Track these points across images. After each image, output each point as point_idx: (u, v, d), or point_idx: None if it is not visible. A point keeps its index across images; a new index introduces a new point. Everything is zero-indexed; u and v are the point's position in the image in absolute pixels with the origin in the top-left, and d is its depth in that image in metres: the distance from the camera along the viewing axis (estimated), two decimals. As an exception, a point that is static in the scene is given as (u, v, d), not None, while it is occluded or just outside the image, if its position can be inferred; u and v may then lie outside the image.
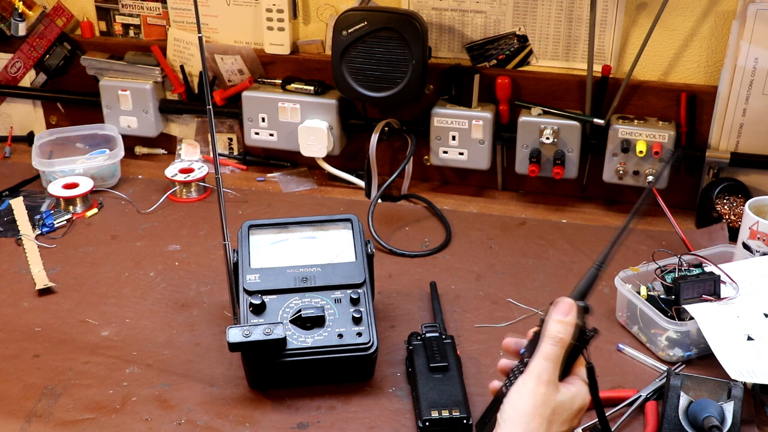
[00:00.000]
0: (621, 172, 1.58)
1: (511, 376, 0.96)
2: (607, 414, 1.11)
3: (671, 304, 1.23)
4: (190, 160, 1.83)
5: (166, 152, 1.90)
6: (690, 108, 1.58)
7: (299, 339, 1.13)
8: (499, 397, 0.97)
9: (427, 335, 1.20)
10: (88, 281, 1.42)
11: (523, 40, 1.65)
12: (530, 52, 1.65)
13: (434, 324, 1.24)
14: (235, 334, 1.09)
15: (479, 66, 1.68)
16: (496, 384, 0.99)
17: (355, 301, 1.17)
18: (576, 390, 0.92)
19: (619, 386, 1.17)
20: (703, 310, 1.19)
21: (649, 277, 1.30)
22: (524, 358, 0.95)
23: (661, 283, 1.26)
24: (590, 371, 0.93)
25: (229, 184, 1.75)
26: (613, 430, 1.09)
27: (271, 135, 1.75)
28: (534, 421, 0.90)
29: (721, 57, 1.55)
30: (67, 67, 1.86)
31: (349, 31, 1.58)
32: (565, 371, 0.93)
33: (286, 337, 1.11)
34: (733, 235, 1.50)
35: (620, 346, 1.24)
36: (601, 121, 1.58)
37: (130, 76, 1.81)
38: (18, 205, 1.64)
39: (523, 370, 0.94)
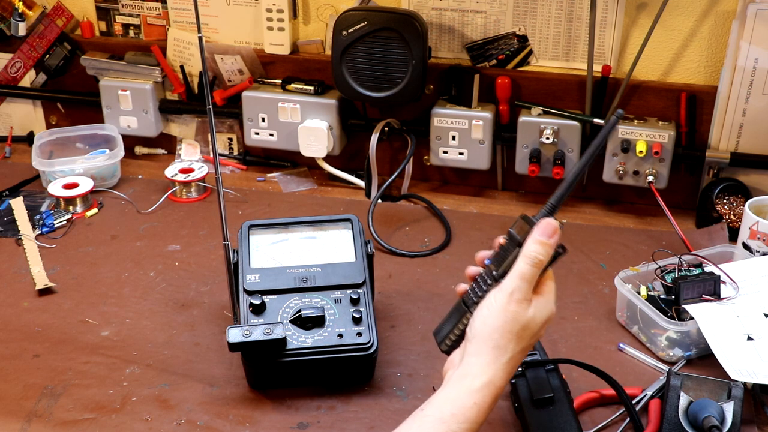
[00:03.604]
0: (621, 172, 1.58)
1: (474, 285, 0.98)
2: (615, 415, 1.11)
3: (671, 304, 1.23)
4: (190, 160, 1.83)
5: (166, 152, 1.90)
6: (690, 108, 1.58)
7: (299, 339, 1.13)
8: (459, 309, 0.99)
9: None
10: (88, 281, 1.42)
11: (523, 40, 1.65)
12: (530, 52, 1.65)
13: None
14: (235, 334, 1.09)
15: (479, 66, 1.68)
16: (462, 287, 1.01)
17: (355, 301, 1.17)
18: (544, 301, 0.94)
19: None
20: (703, 310, 1.19)
21: (649, 277, 1.30)
22: (491, 269, 0.96)
23: (661, 283, 1.26)
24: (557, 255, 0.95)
25: (229, 184, 1.75)
26: (619, 430, 1.09)
27: (271, 135, 1.75)
28: (504, 336, 0.92)
29: (721, 57, 1.55)
30: (67, 67, 1.86)
31: (349, 31, 1.58)
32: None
33: (286, 337, 1.11)
34: (733, 235, 1.50)
35: (621, 345, 1.24)
36: (601, 121, 1.58)
37: (130, 76, 1.81)
38: (18, 205, 1.64)
39: (489, 282, 0.96)
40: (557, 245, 0.95)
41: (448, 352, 1.00)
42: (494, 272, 0.95)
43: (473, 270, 1.01)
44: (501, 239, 0.97)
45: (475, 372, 0.91)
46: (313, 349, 1.12)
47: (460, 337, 0.97)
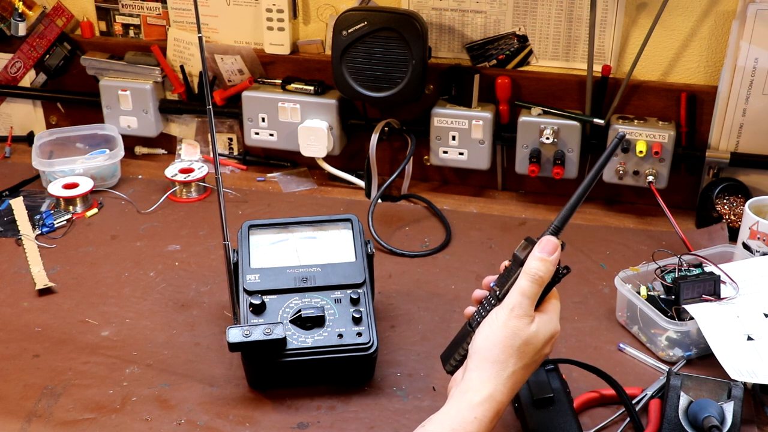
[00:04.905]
0: (621, 172, 1.58)
1: (479, 308, 0.99)
2: (614, 415, 1.11)
3: (671, 304, 1.23)
4: (190, 160, 1.83)
5: (166, 152, 1.90)
6: (690, 108, 1.58)
7: (299, 339, 1.13)
8: (464, 331, 1.00)
9: None
10: (88, 281, 1.42)
11: (523, 40, 1.65)
12: (530, 52, 1.65)
13: None
14: (235, 334, 1.09)
15: (479, 66, 1.68)
16: (470, 310, 1.01)
17: (355, 301, 1.17)
18: (547, 319, 0.95)
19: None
20: (703, 310, 1.19)
21: (649, 277, 1.30)
22: (495, 290, 0.97)
23: (661, 283, 1.26)
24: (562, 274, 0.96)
25: (229, 184, 1.75)
26: (619, 430, 1.09)
27: (271, 135, 1.75)
28: (504, 352, 0.92)
29: (721, 57, 1.55)
30: (67, 67, 1.86)
31: (349, 31, 1.58)
32: (536, 304, 0.95)
33: (286, 337, 1.11)
34: (733, 235, 1.50)
35: (621, 345, 1.24)
36: (601, 121, 1.58)
37: (130, 76, 1.81)
38: (18, 205, 1.64)
39: (492, 302, 0.97)
40: (561, 265, 0.95)
41: (452, 373, 1.01)
42: (498, 292, 0.96)
43: (479, 293, 1.01)
44: (506, 262, 0.98)
45: (475, 387, 0.92)
46: (313, 349, 1.12)
47: (464, 357, 0.98)
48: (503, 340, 0.92)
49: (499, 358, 0.92)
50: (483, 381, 0.92)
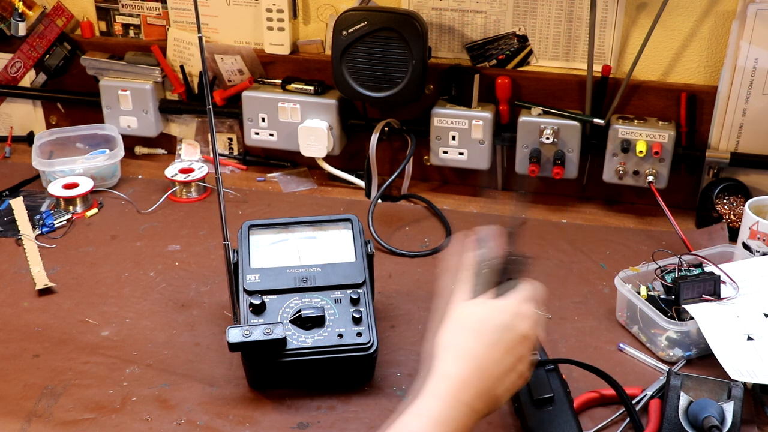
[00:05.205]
0: (621, 172, 1.58)
1: None
2: (614, 415, 1.12)
3: (671, 304, 1.23)
4: (190, 160, 1.83)
5: (166, 152, 1.90)
6: (690, 108, 1.58)
7: (299, 339, 1.13)
8: None
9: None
10: (88, 281, 1.42)
11: (523, 40, 1.65)
12: (530, 52, 1.65)
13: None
14: (235, 334, 1.09)
15: (479, 66, 1.68)
16: None
17: (355, 301, 1.17)
18: (501, 305, 0.96)
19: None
20: (703, 310, 1.19)
21: (649, 277, 1.30)
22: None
23: (661, 283, 1.26)
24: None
25: (229, 184, 1.75)
26: (619, 430, 1.09)
27: (271, 135, 1.75)
28: (456, 334, 0.94)
29: (721, 57, 1.55)
30: (67, 67, 1.86)
31: (349, 31, 1.58)
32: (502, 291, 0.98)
33: (286, 337, 1.11)
34: (733, 235, 1.50)
35: (621, 345, 1.24)
36: (601, 121, 1.58)
37: (130, 76, 1.81)
38: (18, 205, 1.64)
39: None
40: (523, 254, 0.99)
41: None
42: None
43: None
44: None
45: (432, 372, 0.92)
46: (313, 349, 1.12)
47: None
48: (450, 327, 0.94)
49: (452, 341, 0.93)
50: (436, 365, 0.92)
